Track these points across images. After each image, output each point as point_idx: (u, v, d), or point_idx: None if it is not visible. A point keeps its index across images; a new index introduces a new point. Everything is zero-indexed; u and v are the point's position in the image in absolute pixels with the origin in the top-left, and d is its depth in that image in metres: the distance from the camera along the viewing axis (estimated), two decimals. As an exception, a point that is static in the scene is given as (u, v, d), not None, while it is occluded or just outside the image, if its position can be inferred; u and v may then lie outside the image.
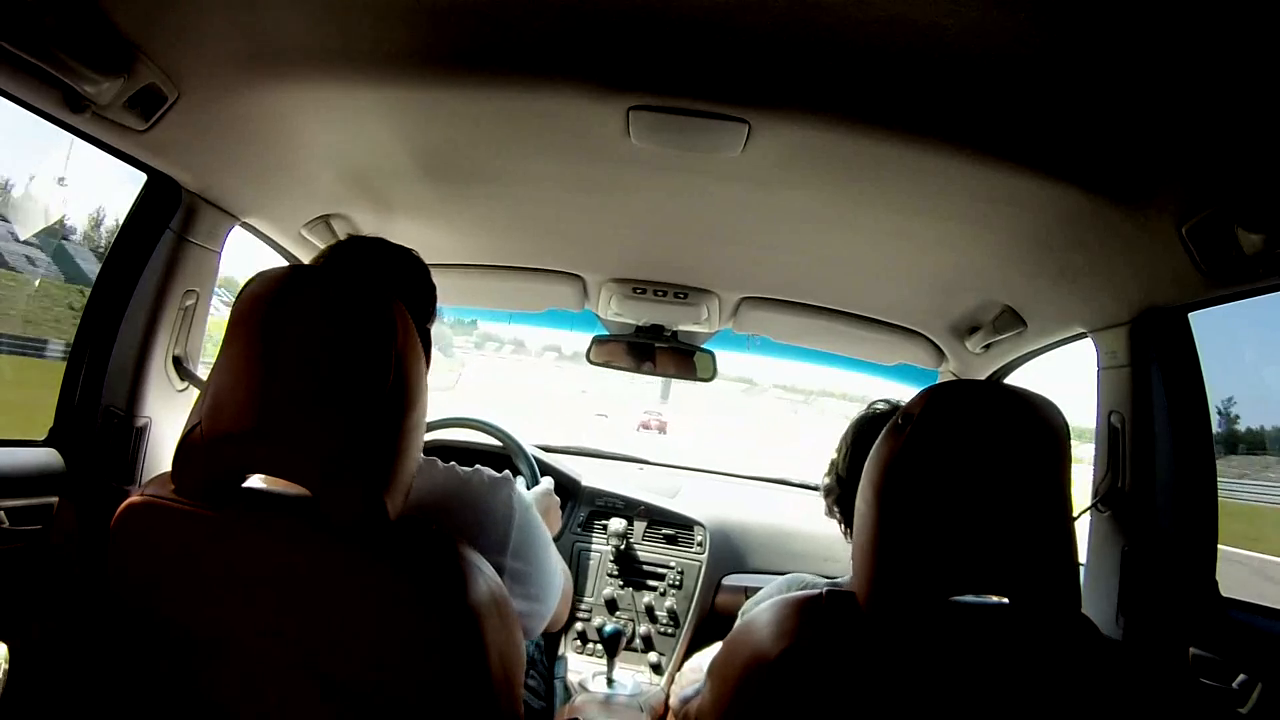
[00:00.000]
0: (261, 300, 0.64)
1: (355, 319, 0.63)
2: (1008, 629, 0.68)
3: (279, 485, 0.71)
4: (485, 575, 0.67)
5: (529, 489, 1.68)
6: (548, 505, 1.29)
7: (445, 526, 0.69)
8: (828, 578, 0.91)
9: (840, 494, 0.98)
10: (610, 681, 1.48)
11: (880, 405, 0.99)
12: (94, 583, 0.67)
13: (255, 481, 0.73)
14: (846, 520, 0.96)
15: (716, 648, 0.96)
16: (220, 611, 0.65)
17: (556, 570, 0.91)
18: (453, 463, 0.83)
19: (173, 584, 0.66)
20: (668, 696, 1.40)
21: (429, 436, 1.75)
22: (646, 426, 18.09)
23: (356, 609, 0.63)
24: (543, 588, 0.86)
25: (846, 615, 0.68)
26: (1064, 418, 0.69)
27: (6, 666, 0.75)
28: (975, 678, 0.65)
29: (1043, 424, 0.68)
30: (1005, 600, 0.70)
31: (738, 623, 0.92)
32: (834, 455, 1.01)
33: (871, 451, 0.70)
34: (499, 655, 0.66)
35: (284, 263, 1.32)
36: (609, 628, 1.52)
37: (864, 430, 0.96)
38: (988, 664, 0.66)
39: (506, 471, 0.85)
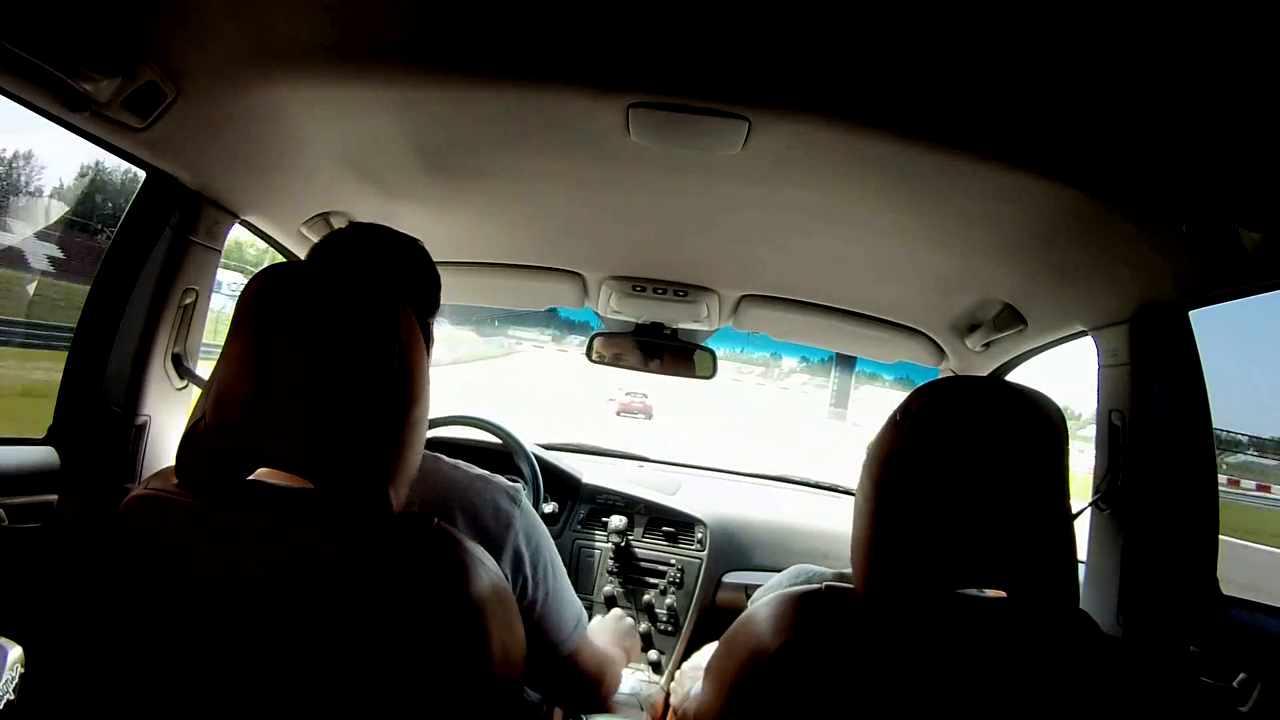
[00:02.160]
0: (264, 296, 0.65)
1: (357, 314, 0.63)
2: (1006, 623, 0.68)
3: (283, 479, 0.71)
4: (487, 568, 0.67)
5: (530, 490, 1.69)
6: (620, 629, 1.26)
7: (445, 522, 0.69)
8: (832, 569, 0.90)
9: None
10: None
11: None
12: (94, 580, 0.68)
13: (260, 475, 0.73)
14: None
15: (715, 645, 0.96)
16: (222, 604, 0.65)
17: (567, 589, 0.89)
18: (457, 461, 0.82)
19: (175, 577, 0.66)
20: (667, 695, 1.40)
21: (430, 433, 1.75)
22: (629, 410, 15.81)
23: (359, 602, 0.63)
24: (554, 602, 0.84)
25: (845, 609, 0.68)
26: (1061, 413, 0.69)
27: (22, 670, 0.75)
28: (973, 672, 0.66)
29: (1039, 419, 0.68)
30: (1003, 594, 0.70)
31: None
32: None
33: (870, 446, 0.71)
34: (501, 648, 0.66)
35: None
36: None
37: None
38: (986, 658, 0.66)
39: (519, 484, 0.85)
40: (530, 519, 0.83)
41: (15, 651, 0.74)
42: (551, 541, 0.86)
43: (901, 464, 0.67)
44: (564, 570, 0.89)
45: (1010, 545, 0.66)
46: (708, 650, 1.02)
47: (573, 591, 0.90)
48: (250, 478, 0.69)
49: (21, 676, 0.75)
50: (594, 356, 1.83)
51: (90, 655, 0.67)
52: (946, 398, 0.69)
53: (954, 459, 0.66)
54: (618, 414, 15.57)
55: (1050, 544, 0.67)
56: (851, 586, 0.70)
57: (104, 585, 0.67)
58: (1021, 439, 0.67)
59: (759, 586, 1.09)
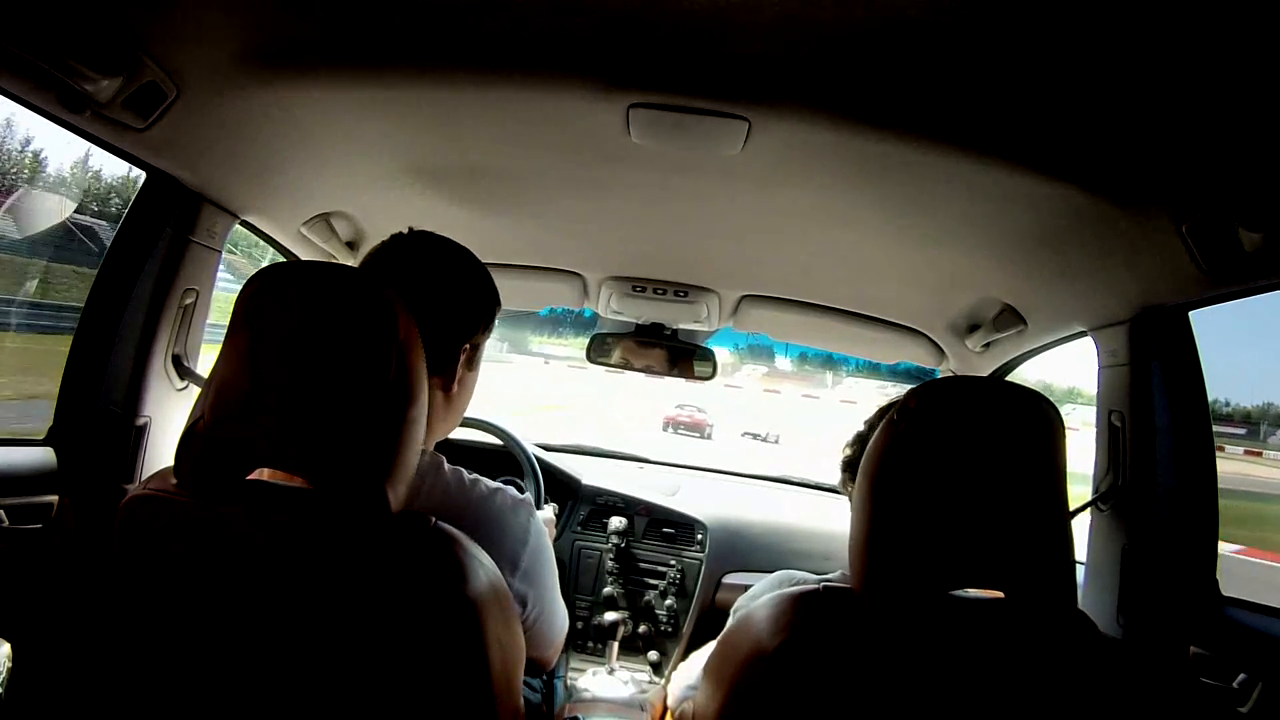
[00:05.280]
0: (264, 295, 0.65)
1: (355, 313, 0.63)
2: (1003, 623, 0.68)
3: (282, 479, 0.71)
4: (485, 567, 0.67)
5: (531, 491, 1.69)
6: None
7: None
8: (818, 573, 0.91)
9: (856, 469, 0.98)
10: (611, 671, 1.48)
11: None
12: (94, 581, 0.68)
13: (259, 475, 0.73)
14: None
15: (712, 646, 0.96)
16: (220, 604, 0.65)
17: (560, 604, 0.90)
18: (477, 475, 0.82)
19: (173, 577, 0.66)
20: (666, 695, 1.40)
21: None
22: (675, 423, 13.89)
23: (357, 601, 0.63)
24: (546, 614, 0.86)
25: (843, 609, 0.68)
26: (1058, 412, 0.69)
27: (10, 665, 0.76)
28: (971, 672, 0.66)
29: (1036, 418, 0.68)
30: (1000, 595, 0.70)
31: (731, 619, 0.92)
32: (861, 428, 1.00)
33: (868, 446, 0.71)
34: (499, 647, 0.66)
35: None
36: (608, 616, 1.53)
37: (886, 411, 0.95)
38: (983, 658, 0.66)
39: (529, 494, 0.85)
40: (542, 532, 0.84)
41: (4, 649, 0.74)
42: (553, 552, 0.87)
43: (898, 464, 0.67)
44: (556, 580, 0.90)
45: (1007, 545, 0.66)
46: (705, 650, 1.02)
47: (560, 604, 0.91)
48: (249, 477, 0.69)
49: (10, 672, 0.75)
50: (594, 357, 1.83)
51: (88, 654, 0.67)
52: (942, 397, 0.69)
53: (950, 459, 0.66)
54: (664, 429, 13.95)
55: (1047, 544, 0.67)
56: (845, 585, 0.70)
57: (103, 585, 0.67)
58: (1017, 438, 0.67)
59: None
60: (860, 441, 0.99)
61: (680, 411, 14.12)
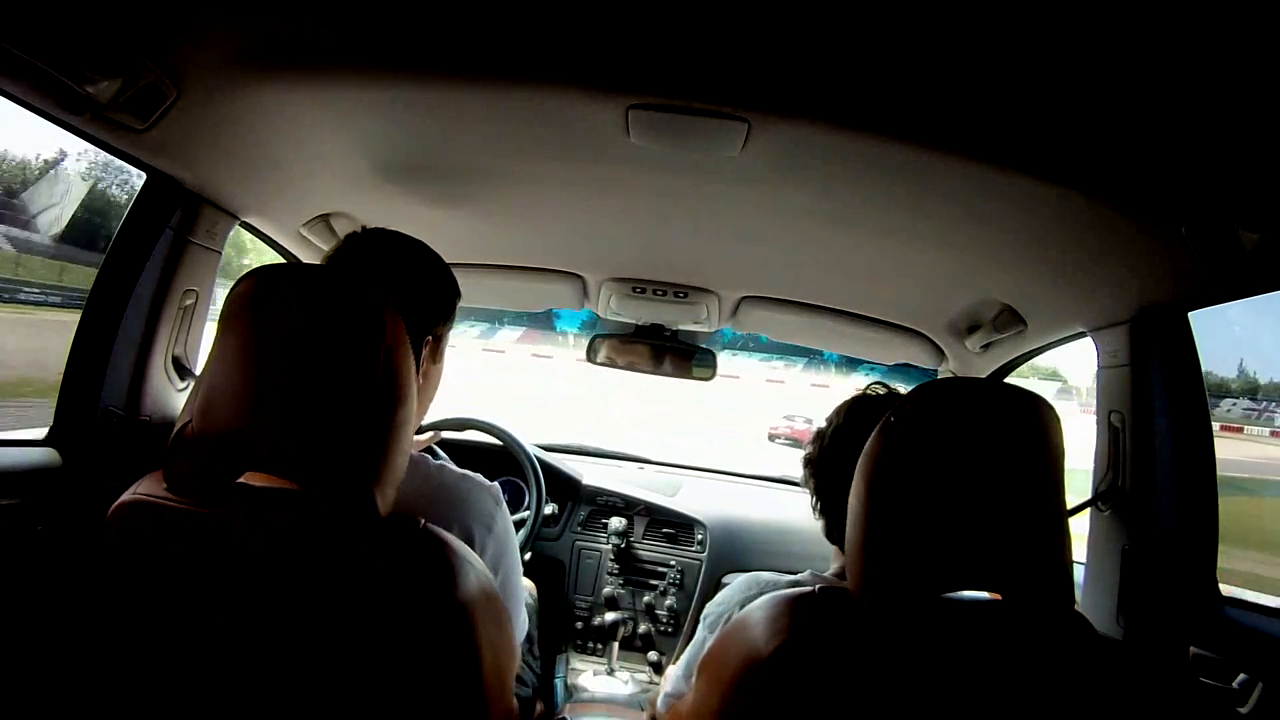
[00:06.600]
0: (252, 297, 0.65)
1: (343, 315, 0.64)
2: (1001, 625, 0.68)
3: (272, 482, 0.71)
4: (475, 570, 0.67)
5: (533, 491, 1.69)
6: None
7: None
8: (791, 573, 0.90)
9: (817, 467, 0.95)
10: (611, 671, 1.48)
11: (878, 389, 0.96)
12: (92, 582, 0.68)
13: (248, 478, 0.73)
14: (819, 496, 0.95)
15: (685, 657, 0.96)
16: (211, 608, 0.65)
17: (522, 605, 0.91)
18: (443, 461, 0.83)
19: (164, 581, 0.66)
20: None
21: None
22: (776, 435, 12.92)
23: (348, 605, 0.63)
24: (510, 606, 0.85)
25: (839, 611, 0.68)
26: (1056, 413, 0.69)
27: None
28: (969, 674, 0.65)
29: (1034, 420, 0.68)
30: (998, 596, 0.70)
31: (701, 625, 0.92)
32: (822, 425, 0.98)
33: (865, 448, 0.70)
34: (491, 650, 0.66)
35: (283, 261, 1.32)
36: (609, 617, 1.53)
37: (854, 409, 0.93)
38: (981, 660, 0.66)
39: (497, 483, 0.86)
40: (507, 522, 0.85)
41: None
42: (518, 548, 0.88)
43: (894, 465, 0.67)
44: (521, 575, 0.90)
45: (1005, 547, 0.66)
46: (682, 661, 1.02)
47: (523, 599, 0.92)
48: (238, 480, 0.69)
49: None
50: (594, 358, 1.83)
51: (86, 656, 0.67)
52: (939, 399, 0.69)
53: (947, 460, 0.66)
54: (769, 439, 13.08)
55: (1045, 546, 0.67)
56: (845, 587, 0.70)
57: (99, 588, 0.67)
58: (1015, 440, 0.67)
59: None
60: (820, 438, 0.97)
61: (785, 423, 13.01)
